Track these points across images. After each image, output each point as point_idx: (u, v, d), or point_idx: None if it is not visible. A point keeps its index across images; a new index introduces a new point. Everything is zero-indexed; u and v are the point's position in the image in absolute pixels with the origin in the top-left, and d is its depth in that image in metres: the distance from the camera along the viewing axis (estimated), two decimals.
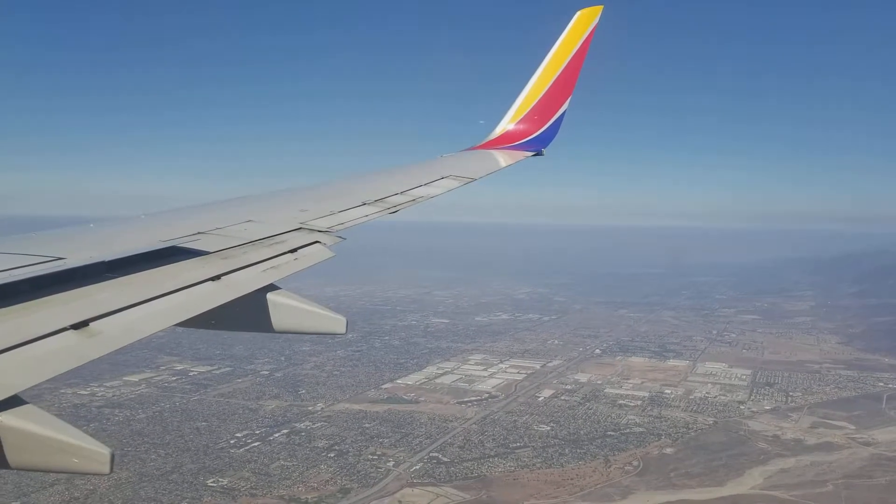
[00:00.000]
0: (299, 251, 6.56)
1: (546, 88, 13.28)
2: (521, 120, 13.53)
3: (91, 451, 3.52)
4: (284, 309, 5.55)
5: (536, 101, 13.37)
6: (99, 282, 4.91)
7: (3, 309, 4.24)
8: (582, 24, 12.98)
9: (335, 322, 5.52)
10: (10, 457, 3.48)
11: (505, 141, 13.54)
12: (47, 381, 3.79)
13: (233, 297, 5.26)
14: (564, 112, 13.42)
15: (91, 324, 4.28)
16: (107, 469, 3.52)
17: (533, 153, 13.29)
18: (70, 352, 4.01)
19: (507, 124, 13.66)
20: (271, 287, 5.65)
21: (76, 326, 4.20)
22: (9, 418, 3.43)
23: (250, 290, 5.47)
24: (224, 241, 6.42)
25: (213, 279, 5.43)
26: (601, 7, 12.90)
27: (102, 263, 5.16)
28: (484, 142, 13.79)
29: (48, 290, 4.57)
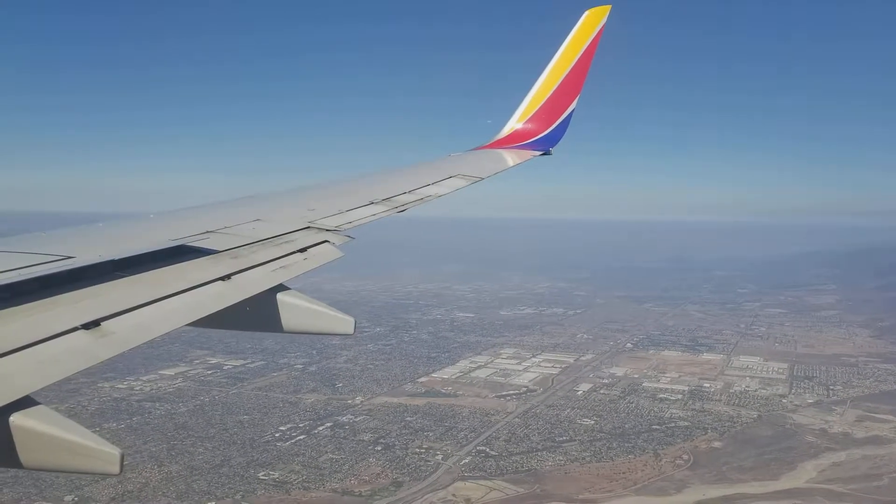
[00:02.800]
0: (308, 250, 6.60)
1: (554, 88, 13.28)
2: (529, 119, 13.51)
3: (101, 452, 3.51)
4: (294, 309, 5.56)
5: (544, 100, 13.37)
6: (109, 281, 4.91)
7: (13, 308, 4.21)
8: (590, 23, 13.00)
9: (344, 323, 5.54)
10: (23, 457, 3.51)
11: (513, 140, 13.52)
12: (64, 378, 3.78)
13: (243, 297, 5.28)
14: (572, 112, 13.40)
15: (102, 323, 4.26)
16: (116, 469, 3.53)
17: (541, 153, 13.25)
18: (81, 352, 3.98)
19: (514, 123, 13.67)
20: (280, 287, 5.67)
21: (87, 326, 4.17)
22: (20, 419, 3.46)
23: (260, 290, 5.49)
24: (233, 241, 6.43)
25: (223, 279, 5.44)
26: (609, 7, 12.93)
27: (112, 262, 5.14)
28: (492, 141, 13.78)
29: (58, 290, 4.56)
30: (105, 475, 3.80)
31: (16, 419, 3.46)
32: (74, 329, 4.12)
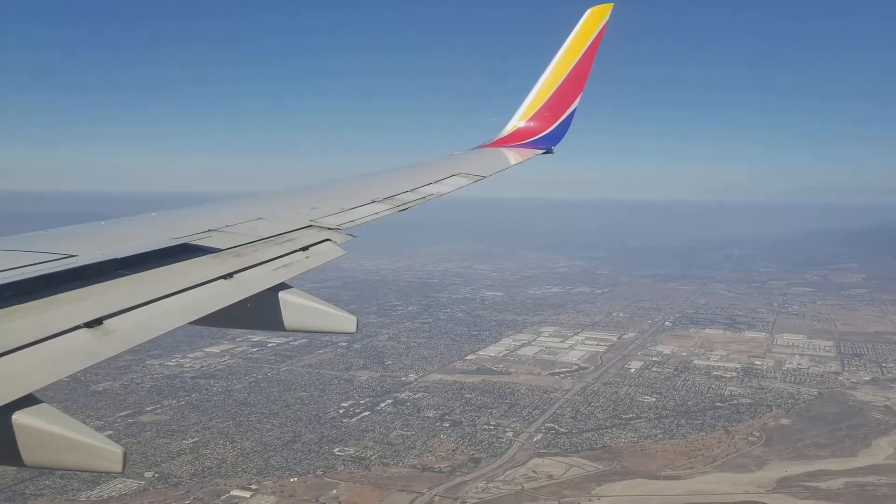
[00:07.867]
0: (310, 249, 6.61)
1: (556, 86, 13.26)
2: (531, 117, 13.50)
3: (104, 450, 3.46)
4: (296, 308, 5.55)
5: (547, 98, 13.34)
6: (112, 279, 4.90)
7: (17, 307, 4.19)
8: (592, 21, 12.96)
9: (346, 321, 5.52)
10: (25, 455, 3.47)
11: (515, 139, 13.50)
12: (67, 377, 3.75)
13: (246, 296, 5.27)
14: (575, 109, 13.37)
15: (105, 322, 4.23)
16: (119, 468, 3.47)
17: (543, 151, 13.20)
18: (84, 350, 3.96)
19: (517, 122, 13.62)
20: (282, 285, 5.65)
21: (90, 324, 4.15)
22: (24, 417, 3.43)
23: (263, 289, 5.47)
24: (235, 239, 6.45)
25: (225, 277, 5.44)
26: (611, 4, 12.88)
27: (115, 261, 5.12)
28: (494, 139, 13.74)
29: (61, 288, 4.55)
30: (108, 474, 3.54)
31: (19, 417, 3.42)
32: (77, 327, 4.08)
